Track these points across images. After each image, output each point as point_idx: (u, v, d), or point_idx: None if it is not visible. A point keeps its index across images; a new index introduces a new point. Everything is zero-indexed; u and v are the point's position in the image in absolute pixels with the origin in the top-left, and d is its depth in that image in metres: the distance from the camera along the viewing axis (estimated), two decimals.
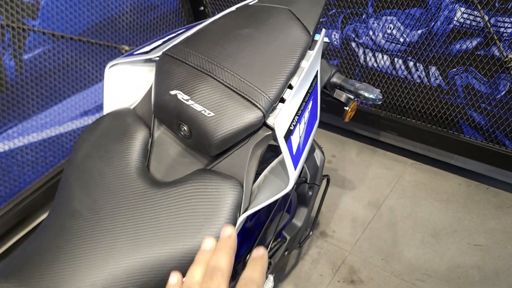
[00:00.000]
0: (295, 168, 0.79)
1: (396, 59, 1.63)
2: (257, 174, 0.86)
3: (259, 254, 0.49)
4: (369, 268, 1.49)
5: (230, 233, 0.51)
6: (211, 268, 0.48)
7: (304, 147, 0.86)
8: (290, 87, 0.86)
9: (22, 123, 1.61)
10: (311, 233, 1.38)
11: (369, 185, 1.77)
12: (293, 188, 1.13)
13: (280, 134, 0.78)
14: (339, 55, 1.79)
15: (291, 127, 0.81)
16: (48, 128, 1.71)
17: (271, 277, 1.11)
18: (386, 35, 1.60)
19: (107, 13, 1.76)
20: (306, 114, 0.87)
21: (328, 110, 1.94)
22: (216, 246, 0.51)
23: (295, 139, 0.82)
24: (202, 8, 2.10)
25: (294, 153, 0.80)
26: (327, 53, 1.82)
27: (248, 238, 1.23)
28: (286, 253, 1.27)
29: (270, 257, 1.22)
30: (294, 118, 0.82)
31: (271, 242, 1.12)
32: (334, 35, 1.74)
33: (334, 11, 1.68)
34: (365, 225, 1.63)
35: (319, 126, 2.06)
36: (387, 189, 1.74)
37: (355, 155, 1.91)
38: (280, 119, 0.79)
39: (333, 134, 2.03)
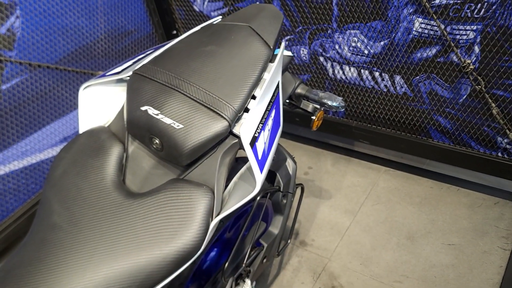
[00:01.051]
0: (261, 172, 0.85)
1: (362, 71, 1.71)
2: (227, 182, 0.91)
3: None
4: (348, 273, 1.53)
5: None
6: None
7: (269, 152, 0.91)
8: (254, 97, 0.91)
9: (3, 152, 1.64)
10: (289, 241, 1.42)
11: (345, 193, 1.82)
12: (267, 196, 1.18)
13: (246, 141, 0.83)
14: (308, 69, 1.86)
15: (255, 134, 0.86)
16: (28, 155, 1.74)
17: (248, 281, 1.15)
18: (351, 48, 1.67)
19: (82, 41, 1.81)
20: (270, 122, 0.93)
21: (302, 123, 2.01)
22: None
23: (260, 145, 0.87)
24: (175, 32, 2.17)
25: (259, 158, 0.86)
26: (297, 68, 1.89)
27: (227, 248, 1.27)
28: (264, 260, 1.31)
29: (248, 265, 1.25)
30: (258, 126, 0.88)
31: (249, 250, 1.16)
32: (303, 50, 1.81)
33: (300, 28, 1.75)
34: (343, 232, 1.67)
35: (295, 140, 2.13)
36: (362, 196, 1.79)
37: (330, 166, 1.96)
38: (245, 128, 0.84)
39: (308, 146, 2.08)
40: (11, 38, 1.57)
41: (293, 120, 2.01)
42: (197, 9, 2.01)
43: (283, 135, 2.17)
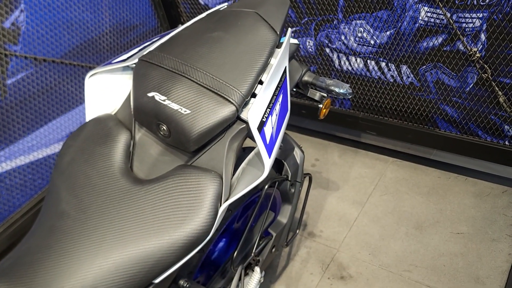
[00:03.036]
0: (269, 156, 0.84)
1: (369, 61, 1.70)
2: (235, 168, 0.90)
3: None
4: (357, 264, 1.53)
5: None
6: None
7: (277, 136, 0.91)
8: (261, 82, 0.91)
9: (9, 147, 1.64)
10: (297, 232, 1.42)
11: (352, 184, 1.82)
12: (275, 186, 1.18)
13: (254, 126, 0.83)
14: (314, 61, 1.85)
15: (263, 119, 0.86)
16: (35, 150, 1.74)
17: (257, 269, 1.14)
18: (357, 39, 1.67)
19: (87, 35, 1.81)
20: (277, 107, 0.92)
21: (308, 115, 2.00)
22: None
23: (268, 129, 0.87)
24: (180, 26, 2.17)
25: (267, 142, 0.85)
26: (303, 59, 1.88)
27: (235, 239, 1.27)
28: (273, 250, 1.31)
29: (257, 254, 1.25)
30: (266, 111, 0.87)
31: (258, 239, 1.16)
32: (309, 42, 1.81)
33: (306, 19, 1.75)
34: (351, 223, 1.67)
35: (301, 132, 2.12)
36: (370, 187, 1.78)
37: (337, 157, 1.96)
38: (253, 112, 0.84)
39: (315, 139, 2.08)
40: (16, 32, 1.57)
41: (299, 112, 2.01)
42: (202, 3, 2.00)
43: (290, 127, 2.16)
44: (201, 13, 1.94)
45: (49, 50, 1.68)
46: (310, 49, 1.83)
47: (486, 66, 1.45)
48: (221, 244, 1.25)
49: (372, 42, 1.64)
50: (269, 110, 0.89)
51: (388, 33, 1.58)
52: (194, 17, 2.08)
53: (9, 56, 1.56)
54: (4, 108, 1.58)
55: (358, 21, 1.62)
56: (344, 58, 1.76)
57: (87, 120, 0.99)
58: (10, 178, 1.69)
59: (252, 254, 1.16)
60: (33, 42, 1.63)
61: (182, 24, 1.07)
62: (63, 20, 1.71)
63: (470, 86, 1.53)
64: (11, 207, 1.71)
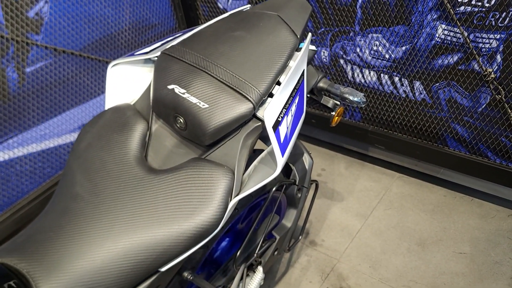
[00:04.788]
0: (283, 155, 0.86)
1: (382, 75, 1.71)
2: (248, 166, 0.92)
3: None
4: (357, 275, 1.53)
5: None
6: None
7: (291, 136, 0.93)
8: (279, 83, 0.93)
9: (22, 134, 1.67)
10: (300, 238, 1.43)
11: (357, 196, 1.82)
12: (282, 190, 1.19)
13: (269, 125, 0.84)
14: (328, 71, 1.87)
15: (279, 119, 0.87)
16: (47, 139, 1.77)
17: (260, 268, 1.15)
18: (372, 52, 1.68)
19: (107, 31, 1.84)
20: (293, 108, 0.94)
21: (318, 125, 2.02)
22: None
23: (283, 129, 0.89)
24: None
25: (281, 141, 0.87)
26: (318, 69, 1.90)
27: (238, 239, 1.28)
28: (276, 253, 1.31)
29: (260, 256, 1.26)
30: (282, 111, 0.89)
31: (262, 241, 1.17)
32: (324, 52, 1.82)
33: (323, 29, 1.76)
34: (353, 234, 1.67)
35: (310, 141, 2.13)
36: (375, 201, 1.79)
37: (344, 169, 1.97)
38: (269, 111, 0.85)
39: (323, 149, 2.09)
40: (39, 22, 1.60)
41: (309, 122, 2.02)
42: (221, 7, 2.03)
43: (299, 135, 2.17)
44: (219, 16, 1.97)
45: (69, 42, 1.72)
46: (324, 59, 1.84)
47: (500, 87, 1.46)
48: (224, 243, 1.26)
49: (387, 56, 1.65)
50: (285, 110, 0.90)
51: (403, 48, 1.59)
52: (212, 19, 2.12)
53: (31, 45, 1.60)
54: (21, 95, 1.60)
55: (374, 35, 1.64)
56: (358, 70, 1.77)
57: (106, 108, 1.01)
58: (21, 164, 1.71)
59: (255, 254, 1.17)
60: (55, 33, 1.66)
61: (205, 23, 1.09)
62: (85, 14, 1.74)
63: (483, 107, 1.53)
64: (19, 193, 1.73)
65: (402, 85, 1.68)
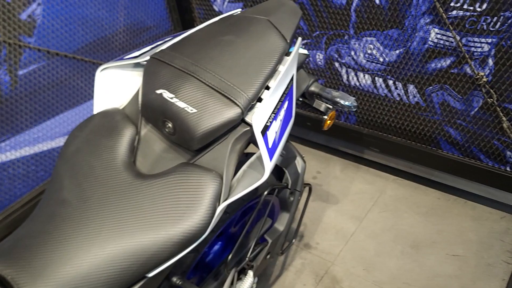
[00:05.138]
0: (271, 160, 0.86)
1: (376, 78, 1.71)
2: (237, 171, 0.92)
3: None
4: (351, 278, 1.53)
5: None
6: None
7: (280, 141, 0.93)
8: (268, 88, 0.93)
9: (15, 137, 1.66)
10: (293, 241, 1.43)
11: (352, 199, 1.82)
12: (274, 193, 1.19)
13: (257, 130, 0.84)
14: (323, 74, 1.87)
15: (267, 123, 0.87)
16: (40, 142, 1.76)
17: (250, 273, 1.15)
18: (366, 55, 1.69)
19: (101, 33, 1.84)
20: (282, 113, 0.94)
21: (313, 128, 2.02)
22: None
23: (271, 134, 0.88)
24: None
25: (270, 146, 0.87)
26: (312, 72, 1.90)
27: (231, 243, 1.28)
28: (268, 256, 1.31)
29: (252, 259, 1.26)
30: (270, 116, 0.89)
31: (254, 245, 1.17)
32: (319, 55, 1.83)
33: (318, 32, 1.77)
34: (348, 237, 1.67)
35: (305, 144, 2.13)
36: (369, 203, 1.79)
37: (339, 171, 1.97)
38: (257, 116, 0.85)
39: (318, 151, 2.09)
40: (32, 25, 1.60)
41: (304, 124, 2.02)
42: (216, 9, 2.03)
43: (294, 138, 2.17)
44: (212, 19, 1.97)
45: (63, 44, 1.71)
46: (319, 62, 1.85)
47: (492, 91, 1.46)
48: (216, 247, 1.26)
49: (381, 59, 1.65)
50: (274, 115, 0.90)
51: (397, 51, 1.60)
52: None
53: (23, 47, 1.59)
54: (13, 98, 1.60)
55: (368, 38, 1.64)
56: (353, 74, 1.77)
57: (94, 112, 1.00)
58: (14, 168, 1.70)
59: (247, 258, 1.17)
60: (48, 36, 1.65)
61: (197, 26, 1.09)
62: (79, 16, 1.73)
63: (475, 110, 1.54)
64: (12, 197, 1.73)
65: (396, 88, 1.69)
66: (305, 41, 1.83)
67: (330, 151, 2.08)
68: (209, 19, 2.08)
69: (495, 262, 1.50)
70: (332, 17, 1.68)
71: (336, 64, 1.80)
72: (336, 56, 1.77)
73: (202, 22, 2.14)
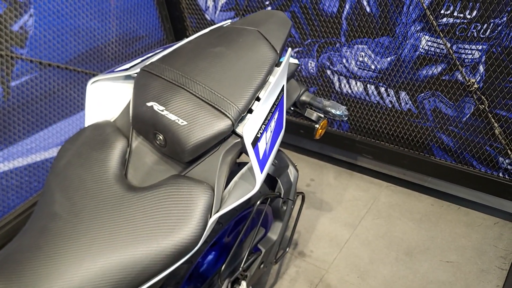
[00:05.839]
0: (261, 171, 0.86)
1: (368, 85, 1.72)
2: (228, 182, 0.92)
3: None
4: (345, 286, 1.53)
5: None
6: None
7: (271, 152, 0.93)
8: (258, 99, 0.93)
9: (8, 148, 1.65)
10: (287, 249, 1.43)
11: (345, 206, 1.83)
12: (267, 202, 1.19)
13: (248, 141, 0.84)
14: (315, 82, 1.88)
15: (258, 135, 0.87)
16: (33, 153, 1.75)
17: (244, 284, 1.15)
18: (358, 63, 1.69)
19: (93, 43, 1.84)
20: (272, 124, 0.94)
21: (306, 135, 2.02)
22: None
23: (262, 145, 0.89)
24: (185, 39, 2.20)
25: (260, 158, 0.87)
26: (304, 80, 1.91)
27: (224, 253, 1.27)
28: (261, 266, 1.31)
29: (245, 269, 1.26)
30: (261, 127, 0.89)
31: (247, 254, 1.17)
32: (310, 63, 1.83)
33: (309, 40, 1.77)
34: (342, 244, 1.67)
35: (298, 152, 2.14)
36: (363, 210, 1.79)
37: (332, 179, 1.97)
38: (248, 128, 0.85)
39: (312, 159, 2.09)
40: (24, 36, 1.60)
41: (297, 132, 2.03)
42: (208, 18, 2.04)
43: (287, 146, 2.18)
44: (207, 27, 1.97)
45: (55, 55, 1.71)
46: (311, 70, 1.85)
47: (483, 97, 1.47)
48: (210, 257, 1.26)
49: (372, 67, 1.66)
50: (264, 126, 0.91)
51: (388, 59, 1.61)
52: (200, 31, 2.12)
53: (15, 58, 1.59)
54: (6, 109, 1.59)
55: (360, 46, 1.65)
56: (345, 81, 1.78)
57: (86, 125, 1.01)
58: (7, 179, 1.70)
59: (240, 268, 1.17)
60: (40, 47, 1.65)
61: (188, 37, 1.09)
62: (71, 26, 1.74)
63: (467, 116, 1.55)
64: (5, 208, 1.72)
65: (388, 95, 1.69)
66: (297, 49, 1.84)
67: (324, 158, 2.09)
68: (201, 28, 2.09)
69: (488, 268, 1.50)
70: (323, 25, 1.69)
71: (328, 72, 1.81)
72: (328, 63, 1.78)
73: (194, 31, 2.15)
